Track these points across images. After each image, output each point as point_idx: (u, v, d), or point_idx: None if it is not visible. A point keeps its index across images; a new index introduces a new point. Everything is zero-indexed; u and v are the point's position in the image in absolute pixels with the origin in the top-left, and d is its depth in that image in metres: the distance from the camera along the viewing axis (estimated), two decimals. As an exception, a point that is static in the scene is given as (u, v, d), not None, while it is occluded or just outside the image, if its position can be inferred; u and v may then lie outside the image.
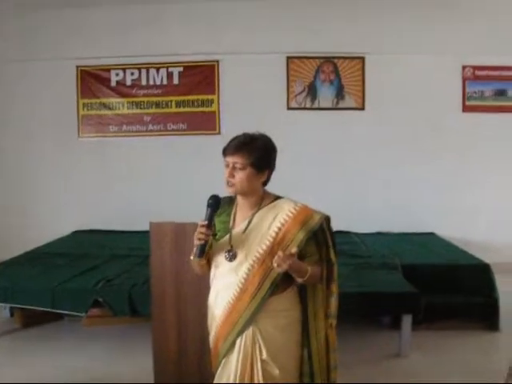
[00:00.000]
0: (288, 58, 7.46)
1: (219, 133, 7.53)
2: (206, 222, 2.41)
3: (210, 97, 7.60)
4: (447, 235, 7.00)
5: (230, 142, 2.50)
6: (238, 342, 2.47)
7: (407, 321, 4.57)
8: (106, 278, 4.91)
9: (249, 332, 2.46)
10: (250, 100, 7.41)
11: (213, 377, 2.61)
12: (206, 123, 7.61)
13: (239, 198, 2.54)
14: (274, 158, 2.55)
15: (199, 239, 2.39)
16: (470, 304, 5.27)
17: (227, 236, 2.51)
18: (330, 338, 2.59)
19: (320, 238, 2.50)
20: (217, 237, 2.53)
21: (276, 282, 2.43)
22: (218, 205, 2.49)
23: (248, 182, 2.45)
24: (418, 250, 6.26)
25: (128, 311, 4.55)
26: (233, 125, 7.22)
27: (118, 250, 6.23)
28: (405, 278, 5.01)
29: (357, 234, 7.00)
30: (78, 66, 7.71)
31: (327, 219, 2.52)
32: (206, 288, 2.66)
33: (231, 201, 2.59)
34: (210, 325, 2.63)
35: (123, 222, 7.31)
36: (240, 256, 2.47)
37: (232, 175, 2.44)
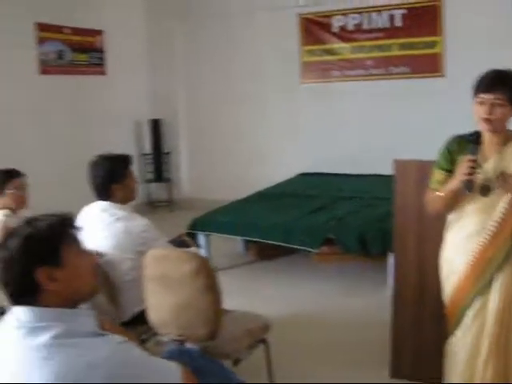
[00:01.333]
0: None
1: (443, 75, 7.27)
2: (475, 157, 2.41)
3: (433, 38, 7.33)
4: None
5: (483, 78, 2.47)
6: (494, 279, 2.47)
7: None
8: (337, 217, 5.09)
9: (508, 270, 2.45)
10: (479, 40, 6.96)
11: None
12: (430, 65, 7.37)
13: (488, 135, 2.50)
14: None
15: (469, 174, 2.38)
16: None
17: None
18: None
19: None
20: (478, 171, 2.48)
21: None
22: (478, 139, 2.49)
23: (504, 118, 2.43)
24: None
25: (359, 249, 4.70)
26: (459, 67, 6.96)
27: (343, 192, 6.37)
28: None
29: None
30: (299, 14, 7.89)
31: None
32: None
33: (476, 138, 2.54)
34: (449, 269, 2.63)
35: (347, 165, 7.43)
36: (495, 190, 2.45)
37: (491, 112, 2.40)
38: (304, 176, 7.60)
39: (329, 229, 4.86)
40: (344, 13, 7.69)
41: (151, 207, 8.31)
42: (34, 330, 1.48)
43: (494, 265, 2.46)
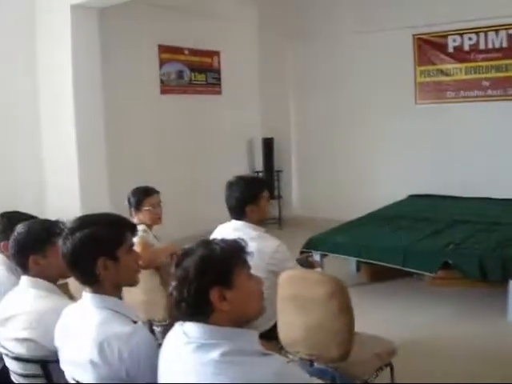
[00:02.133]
0: None
1: None
2: None
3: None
4: None
5: None
6: None
7: None
8: (454, 242, 5.04)
9: None
10: None
11: None
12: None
13: None
14: None
15: None
16: None
17: None
18: None
19: None
20: None
21: None
22: None
23: None
24: None
25: (479, 275, 4.62)
26: None
27: (457, 215, 6.28)
28: None
29: None
30: (414, 35, 7.86)
31: None
32: None
33: None
34: None
35: (460, 188, 7.34)
36: None
37: None
38: (414, 198, 7.57)
39: (447, 253, 4.81)
40: (460, 33, 7.61)
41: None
42: (203, 346, 1.60)
43: None
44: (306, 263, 3.49)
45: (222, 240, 1.74)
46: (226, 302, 1.64)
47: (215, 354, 1.57)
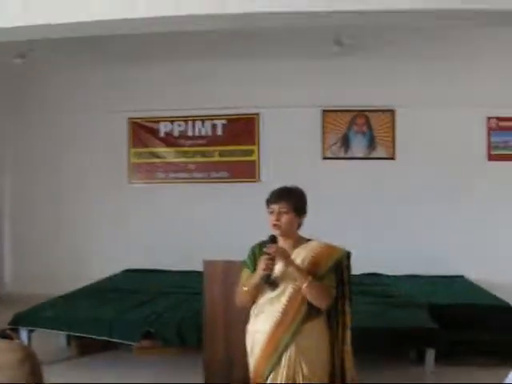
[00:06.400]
0: (323, 111, 8.03)
1: (259, 180, 8.09)
2: (271, 254, 2.91)
3: (250, 147, 8.18)
4: (476, 278, 7.34)
5: (272, 193, 3.10)
6: (283, 358, 2.95)
7: (430, 354, 4.96)
8: (157, 312, 5.43)
9: (291, 350, 2.94)
10: (287, 150, 7.97)
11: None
12: (247, 172, 8.18)
13: (280, 240, 3.08)
14: (307, 205, 3.13)
15: (266, 267, 2.90)
16: (495, 342, 5.58)
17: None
18: (346, 360, 3.09)
19: (339, 271, 3.06)
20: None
21: (309, 305, 2.94)
22: (275, 240, 3.04)
23: (290, 223, 3.03)
24: (446, 291, 6.62)
25: (177, 341, 5.04)
26: (272, 173, 7.83)
27: (165, 287, 6.74)
28: (432, 317, 5.39)
29: (389, 277, 7.36)
30: (129, 118, 8.40)
31: (348, 254, 3.08)
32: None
33: (272, 242, 3.07)
34: (251, 346, 3.11)
35: (169, 263, 7.78)
36: (282, 285, 2.99)
37: (278, 219, 3.00)
38: (128, 272, 7.88)
39: (149, 323, 5.15)
40: (171, 120, 8.32)
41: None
42: None
43: (281, 347, 2.95)
44: (2, 336, 3.52)
45: None
46: None
47: None
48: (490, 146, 7.85)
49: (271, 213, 3.04)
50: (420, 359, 5.37)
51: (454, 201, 7.81)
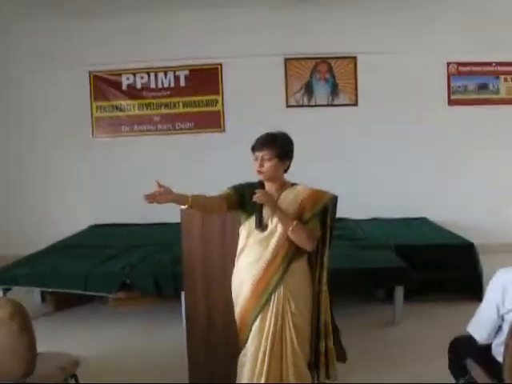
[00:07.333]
0: (286, 59, 8.05)
1: (224, 130, 8.13)
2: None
3: (214, 97, 8.17)
4: (438, 220, 7.60)
5: (257, 140, 3.18)
6: (272, 297, 3.07)
7: (399, 292, 5.19)
8: (130, 263, 5.51)
9: (280, 290, 3.07)
10: (251, 99, 7.98)
11: (238, 348, 3.21)
12: (212, 122, 8.20)
13: (266, 184, 3.20)
14: (293, 150, 3.23)
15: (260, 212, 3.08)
16: (457, 279, 5.88)
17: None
18: (322, 300, 3.21)
19: (325, 215, 3.17)
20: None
21: (295, 245, 3.07)
22: (263, 185, 3.19)
23: (273, 169, 3.13)
24: (410, 233, 6.87)
25: (154, 291, 5.13)
26: (237, 122, 7.88)
27: (135, 240, 6.80)
28: (398, 256, 5.61)
29: (354, 220, 7.54)
30: (90, 72, 8.27)
31: (335, 198, 3.20)
32: (230, 264, 3.27)
33: (260, 185, 3.20)
34: (238, 291, 3.19)
35: (136, 216, 7.80)
36: (271, 227, 3.11)
37: (262, 165, 3.11)
38: (95, 227, 7.91)
39: (125, 274, 5.22)
40: (133, 72, 8.23)
41: None
42: None
43: (271, 286, 3.07)
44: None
45: None
46: None
47: None
48: (450, 91, 8.02)
49: (256, 159, 3.14)
50: (387, 298, 5.63)
51: (416, 145, 7.99)
